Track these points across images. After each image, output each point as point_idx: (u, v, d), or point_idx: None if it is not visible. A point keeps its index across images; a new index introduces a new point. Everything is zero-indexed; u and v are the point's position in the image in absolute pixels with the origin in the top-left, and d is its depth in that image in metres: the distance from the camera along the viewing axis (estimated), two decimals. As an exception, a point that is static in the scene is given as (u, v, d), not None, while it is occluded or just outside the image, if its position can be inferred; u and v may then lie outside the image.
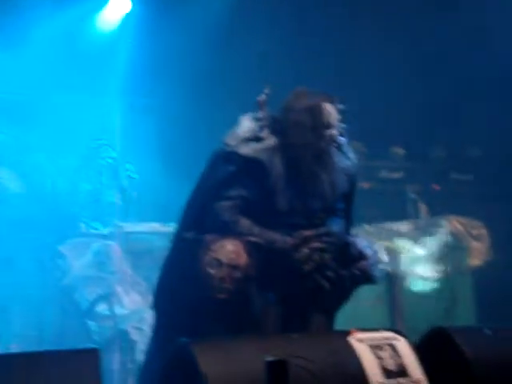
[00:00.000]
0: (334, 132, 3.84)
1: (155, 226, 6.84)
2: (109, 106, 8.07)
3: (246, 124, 3.85)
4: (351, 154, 4.06)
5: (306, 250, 3.71)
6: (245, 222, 3.70)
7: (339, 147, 3.95)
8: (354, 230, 4.15)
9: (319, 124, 3.80)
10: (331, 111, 3.84)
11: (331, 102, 3.86)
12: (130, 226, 6.96)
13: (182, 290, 3.70)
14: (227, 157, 3.79)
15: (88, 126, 7.66)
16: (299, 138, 3.79)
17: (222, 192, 3.75)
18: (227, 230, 3.68)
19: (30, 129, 7.45)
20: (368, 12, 8.12)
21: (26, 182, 7.14)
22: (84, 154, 7.43)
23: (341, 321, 4.02)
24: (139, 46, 8.00)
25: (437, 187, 7.44)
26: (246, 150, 3.77)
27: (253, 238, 3.67)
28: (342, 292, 3.89)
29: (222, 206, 3.72)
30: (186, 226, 3.86)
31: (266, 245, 3.69)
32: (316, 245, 3.75)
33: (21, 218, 6.93)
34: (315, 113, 3.81)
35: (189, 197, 3.93)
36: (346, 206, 4.02)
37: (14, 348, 6.45)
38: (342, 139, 3.97)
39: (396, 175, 7.87)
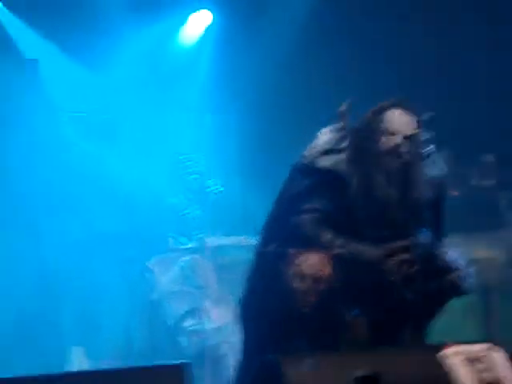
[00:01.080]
0: (397, 140, 3.67)
1: (241, 240, 6.82)
2: (193, 121, 8.12)
3: (326, 136, 3.79)
4: (440, 163, 3.92)
5: (393, 262, 3.61)
6: (327, 235, 3.63)
7: (427, 156, 3.83)
8: (444, 241, 4.01)
9: (374, 127, 3.68)
10: (397, 118, 3.70)
11: (403, 108, 3.72)
12: (216, 240, 6.96)
13: (265, 304, 3.65)
14: (305, 170, 3.73)
15: (173, 142, 7.72)
16: (359, 144, 3.70)
17: (301, 205, 3.69)
18: (309, 244, 3.61)
19: (117, 146, 7.56)
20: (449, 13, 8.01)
21: (113, 196, 7.23)
22: (170, 170, 7.49)
23: (432, 333, 3.91)
24: (219, 59, 8.03)
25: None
26: (324, 162, 3.70)
27: (337, 250, 3.59)
28: (432, 305, 3.77)
29: (303, 220, 3.66)
30: (267, 240, 3.81)
31: (350, 256, 3.60)
32: (404, 257, 3.64)
33: (109, 233, 7.02)
34: (374, 117, 3.70)
35: (270, 210, 3.88)
36: (434, 216, 3.89)
37: (105, 364, 6.52)
38: (429, 148, 3.84)
39: (488, 183, 7.66)
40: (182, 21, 8.28)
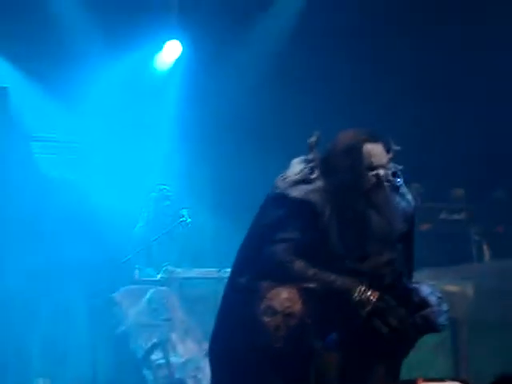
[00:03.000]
0: (381, 172, 3.70)
1: (209, 272, 6.78)
2: (163, 149, 8.09)
3: (297, 166, 3.78)
4: (408, 196, 3.93)
5: (362, 295, 3.58)
6: (300, 264, 3.59)
7: (396, 189, 3.82)
8: (415, 275, 3.99)
9: (358, 165, 3.68)
10: (374, 151, 3.71)
11: (375, 140, 3.74)
12: (184, 272, 6.90)
13: (236, 339, 3.60)
14: (277, 200, 3.71)
15: (143, 171, 7.69)
16: (340, 180, 3.69)
17: (274, 235, 3.65)
18: (281, 272, 3.58)
19: (88, 173, 7.52)
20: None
21: (81, 226, 7.16)
22: (138, 200, 7.44)
23: (404, 369, 3.87)
24: (190, 90, 8.04)
25: (500, 229, 7.22)
26: (296, 192, 3.68)
27: (309, 284, 3.56)
28: (404, 340, 3.74)
29: (276, 249, 3.63)
30: (239, 272, 3.76)
31: (322, 288, 3.57)
32: (370, 293, 3.61)
33: (75, 263, 6.95)
34: (354, 154, 3.70)
35: (242, 242, 3.84)
36: (405, 249, 3.87)
37: (71, 398, 6.42)
38: (399, 180, 3.84)
39: (457, 217, 7.67)
40: (153, 52, 8.31)
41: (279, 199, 3.69)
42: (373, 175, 3.68)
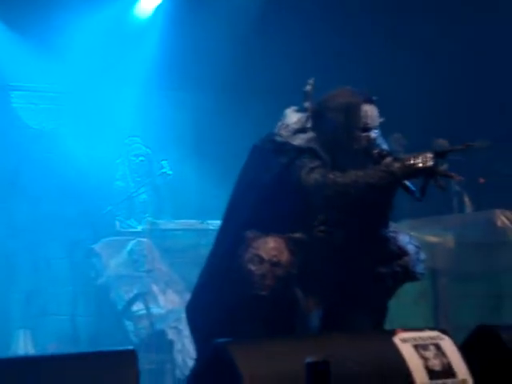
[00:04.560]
0: (372, 135, 3.67)
1: (190, 223, 6.77)
2: (144, 99, 8.01)
3: (293, 115, 3.74)
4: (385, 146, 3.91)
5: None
6: (340, 174, 3.47)
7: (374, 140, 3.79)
8: (395, 225, 3.99)
9: (353, 125, 3.66)
10: (370, 113, 3.68)
11: (371, 102, 3.70)
12: (165, 224, 6.89)
13: (222, 288, 3.60)
14: (280, 148, 3.66)
15: (123, 121, 7.62)
16: (332, 136, 3.66)
17: (286, 185, 3.60)
18: (333, 193, 3.48)
19: (67, 124, 7.45)
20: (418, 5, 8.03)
21: (61, 178, 7.13)
22: (118, 151, 7.40)
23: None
24: (171, 38, 7.94)
25: (482, 180, 7.22)
26: (298, 140, 3.65)
27: (370, 180, 3.46)
28: (383, 290, 3.75)
29: (310, 178, 3.51)
30: (227, 223, 3.73)
31: (310, 240, 3.56)
32: None
33: (56, 215, 6.93)
34: (351, 112, 3.67)
35: (234, 196, 3.78)
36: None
37: (51, 348, 6.44)
38: (376, 132, 3.82)
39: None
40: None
41: (283, 147, 3.64)
42: (364, 137, 3.66)
